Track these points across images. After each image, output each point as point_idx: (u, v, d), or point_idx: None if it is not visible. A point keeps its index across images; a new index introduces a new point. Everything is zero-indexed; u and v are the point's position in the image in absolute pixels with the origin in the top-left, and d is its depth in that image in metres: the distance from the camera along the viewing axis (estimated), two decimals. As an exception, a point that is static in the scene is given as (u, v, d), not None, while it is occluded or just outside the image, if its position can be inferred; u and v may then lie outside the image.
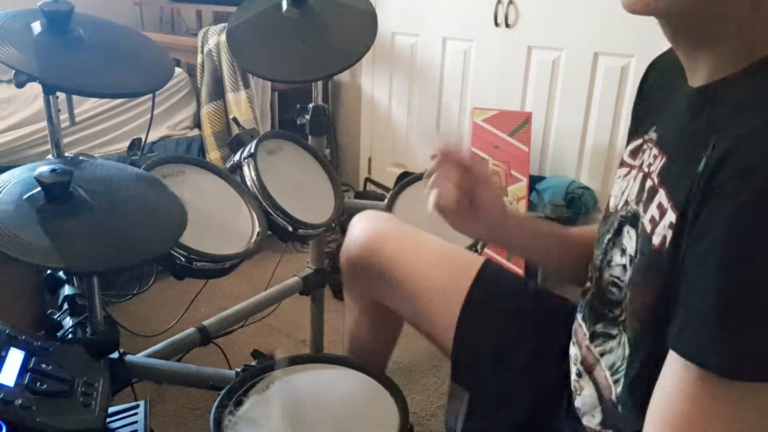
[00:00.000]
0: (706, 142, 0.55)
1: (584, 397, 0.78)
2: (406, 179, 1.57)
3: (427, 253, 1.04)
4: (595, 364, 0.75)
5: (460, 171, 0.82)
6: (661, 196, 0.62)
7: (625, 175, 0.75)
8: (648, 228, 0.63)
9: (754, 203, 0.48)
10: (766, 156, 0.49)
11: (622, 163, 0.78)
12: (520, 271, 2.19)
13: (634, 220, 0.68)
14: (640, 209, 0.67)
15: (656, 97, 0.76)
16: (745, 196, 0.49)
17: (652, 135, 0.71)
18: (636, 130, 0.79)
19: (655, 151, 0.68)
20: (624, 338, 0.70)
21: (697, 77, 0.63)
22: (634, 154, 0.75)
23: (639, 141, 0.74)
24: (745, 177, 0.49)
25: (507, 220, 0.88)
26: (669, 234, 0.59)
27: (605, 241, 0.75)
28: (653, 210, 0.63)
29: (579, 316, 0.82)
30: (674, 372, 0.55)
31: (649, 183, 0.66)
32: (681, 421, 0.53)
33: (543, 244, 0.92)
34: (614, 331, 0.72)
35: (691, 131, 0.61)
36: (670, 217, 0.59)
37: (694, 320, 0.53)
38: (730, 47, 0.58)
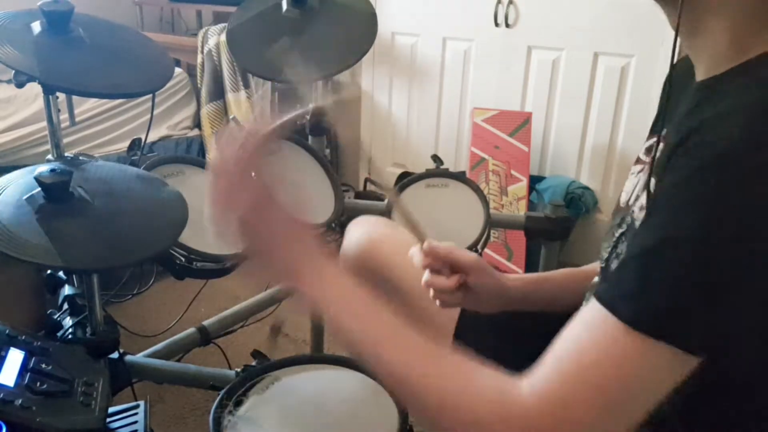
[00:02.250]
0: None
1: None
2: (406, 179, 1.57)
3: None
4: None
5: (447, 266, 0.86)
6: (652, 184, 0.63)
7: (638, 172, 0.76)
8: (636, 214, 0.65)
9: (694, 174, 0.50)
10: (713, 136, 0.50)
11: (637, 160, 0.79)
12: (521, 271, 2.19)
13: None
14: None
15: (676, 94, 0.77)
16: (689, 166, 0.50)
17: (664, 132, 0.72)
18: (654, 126, 0.80)
19: (662, 146, 0.69)
20: None
21: (700, 71, 0.65)
22: (648, 151, 0.76)
23: (655, 138, 0.75)
24: (694, 151, 0.51)
25: (510, 292, 0.90)
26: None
27: (617, 234, 0.75)
28: (643, 198, 0.65)
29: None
30: (586, 313, 0.56)
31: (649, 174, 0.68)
32: (582, 359, 0.54)
33: (564, 296, 0.92)
34: None
35: (683, 123, 0.63)
36: None
37: (617, 270, 0.55)
38: (722, 41, 0.59)
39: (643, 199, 0.65)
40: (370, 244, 1.08)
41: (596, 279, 0.82)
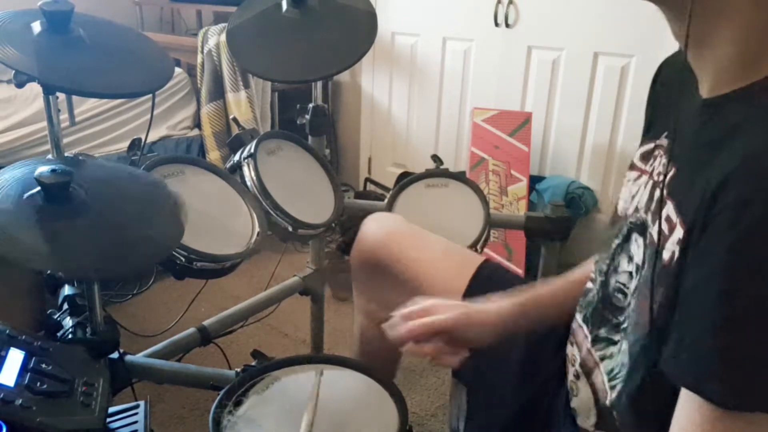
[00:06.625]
0: (709, 161, 0.54)
1: (580, 398, 0.78)
2: (406, 179, 1.57)
3: (432, 251, 1.09)
4: (594, 368, 0.75)
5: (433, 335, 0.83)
6: (670, 209, 0.61)
7: (636, 180, 0.74)
8: (656, 240, 0.62)
9: (750, 236, 0.48)
10: (760, 186, 0.48)
11: (633, 167, 0.76)
12: (520, 271, 2.19)
13: (642, 228, 0.67)
14: (649, 218, 0.66)
15: (668, 98, 0.74)
16: (741, 228, 0.48)
17: (663, 141, 0.69)
18: (648, 131, 0.77)
19: (665, 159, 0.67)
20: (624, 345, 0.69)
21: (704, 86, 0.62)
22: (645, 158, 0.73)
23: (651, 145, 0.73)
24: (741, 208, 0.49)
25: (500, 325, 0.88)
26: (677, 250, 0.58)
27: (614, 246, 0.74)
28: (662, 223, 0.62)
29: (579, 317, 0.82)
30: (683, 401, 0.54)
31: (657, 192, 0.65)
32: None
33: (552, 313, 0.92)
34: (616, 337, 0.72)
35: (698, 145, 0.60)
36: (679, 233, 0.58)
37: (690, 347, 0.53)
38: (731, 52, 0.57)
39: (662, 224, 0.61)
40: (385, 237, 1.12)
41: (591, 293, 0.80)
